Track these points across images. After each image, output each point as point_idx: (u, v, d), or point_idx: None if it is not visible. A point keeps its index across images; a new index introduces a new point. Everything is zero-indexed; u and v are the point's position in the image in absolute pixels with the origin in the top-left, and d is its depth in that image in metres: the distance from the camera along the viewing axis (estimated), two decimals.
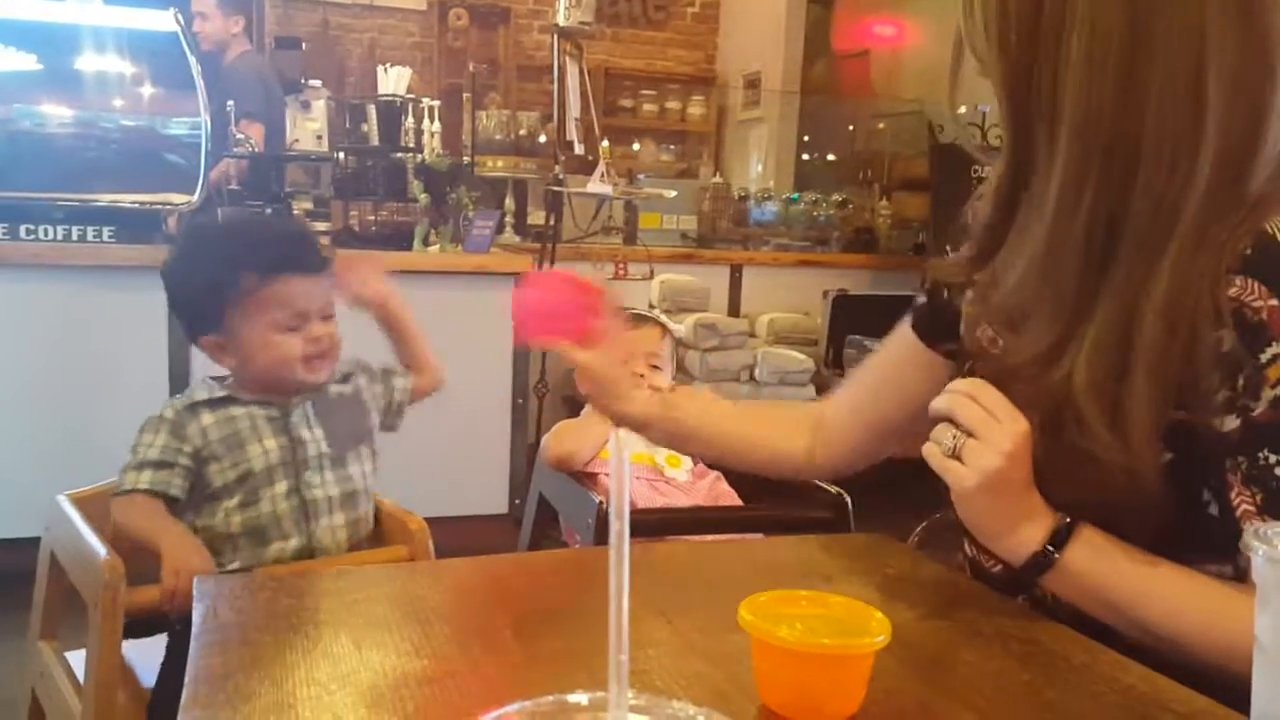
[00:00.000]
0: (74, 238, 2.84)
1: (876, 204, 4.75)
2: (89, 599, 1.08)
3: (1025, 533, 0.88)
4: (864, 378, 1.15)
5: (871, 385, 1.13)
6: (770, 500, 1.63)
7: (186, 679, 0.72)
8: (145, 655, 1.23)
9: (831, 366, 3.83)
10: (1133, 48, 0.85)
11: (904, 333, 1.11)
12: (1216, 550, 0.87)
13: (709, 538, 1.54)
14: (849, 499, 1.46)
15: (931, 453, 0.87)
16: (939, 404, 0.89)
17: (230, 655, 0.76)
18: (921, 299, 1.12)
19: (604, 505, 1.38)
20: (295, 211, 3.18)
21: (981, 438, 0.86)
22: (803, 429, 1.16)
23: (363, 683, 0.74)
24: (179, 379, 2.83)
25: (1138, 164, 0.86)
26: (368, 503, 1.40)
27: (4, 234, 2.78)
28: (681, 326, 2.01)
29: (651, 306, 3.65)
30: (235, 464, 1.31)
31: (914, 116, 5.44)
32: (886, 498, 1.63)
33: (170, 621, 1.20)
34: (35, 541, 1.31)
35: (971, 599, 0.87)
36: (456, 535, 3.05)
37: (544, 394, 3.62)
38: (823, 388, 3.67)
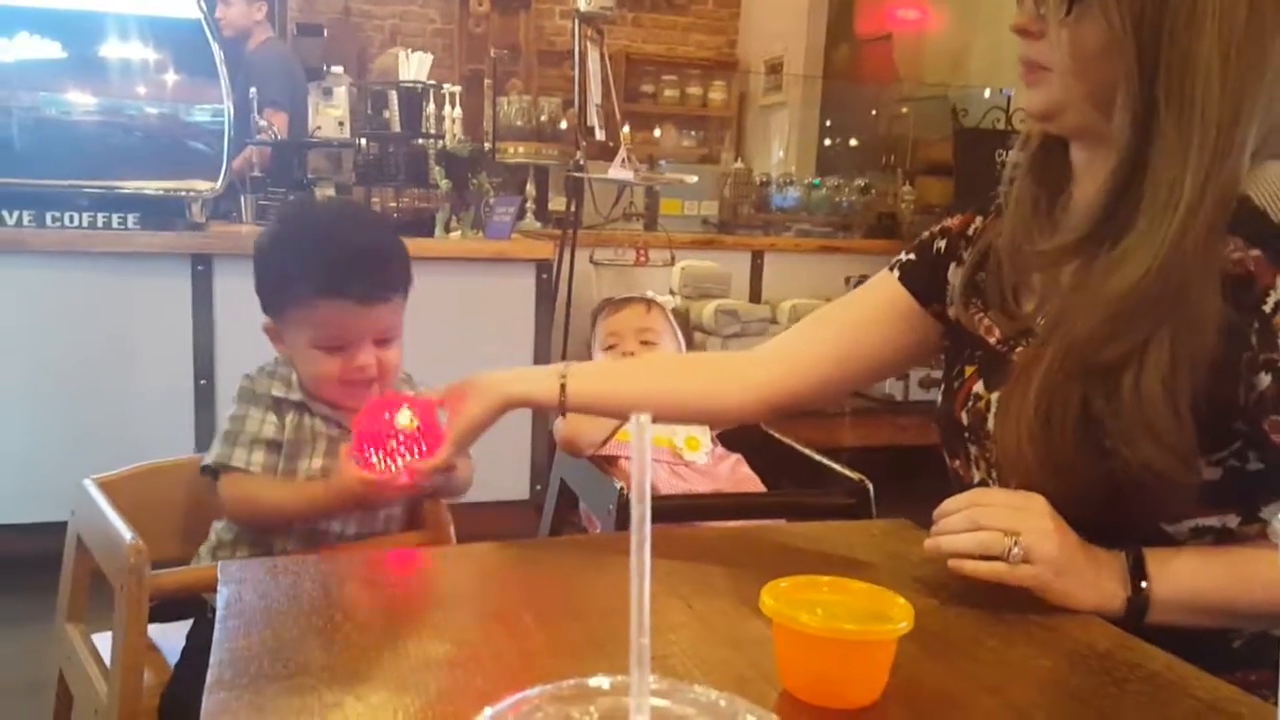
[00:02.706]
0: (99, 224, 2.86)
1: (899, 189, 4.72)
2: (115, 582, 1.09)
3: (1107, 586, 0.89)
4: (841, 316, 1.16)
5: (850, 324, 1.14)
6: (791, 485, 1.62)
7: (211, 662, 0.72)
8: (172, 639, 1.24)
9: None
10: (1249, 32, 0.87)
11: (890, 284, 1.14)
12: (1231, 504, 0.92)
13: (730, 523, 1.54)
14: (871, 485, 1.45)
15: (998, 571, 0.87)
16: (953, 524, 0.90)
17: (254, 639, 0.76)
18: (907, 255, 1.14)
19: (625, 490, 1.37)
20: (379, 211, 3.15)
21: (1023, 529, 0.87)
22: (745, 369, 1.17)
23: (385, 666, 0.75)
24: (203, 364, 2.85)
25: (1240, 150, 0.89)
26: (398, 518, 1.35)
27: (31, 221, 2.80)
28: (675, 299, 2.06)
29: (672, 293, 3.64)
30: (286, 471, 1.29)
31: (937, 100, 5.40)
32: (906, 485, 1.62)
33: (198, 605, 1.21)
34: (62, 526, 1.32)
35: (994, 585, 0.87)
36: (477, 521, 3.05)
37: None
38: None
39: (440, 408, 1.13)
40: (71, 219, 2.83)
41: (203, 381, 2.86)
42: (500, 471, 3.17)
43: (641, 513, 0.43)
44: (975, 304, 1.07)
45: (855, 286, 3.95)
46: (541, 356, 3.19)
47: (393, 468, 1.12)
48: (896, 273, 1.15)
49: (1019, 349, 1.01)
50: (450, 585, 0.90)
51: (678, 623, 0.83)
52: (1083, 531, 0.90)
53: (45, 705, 1.32)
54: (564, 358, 3.59)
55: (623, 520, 1.35)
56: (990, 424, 1.01)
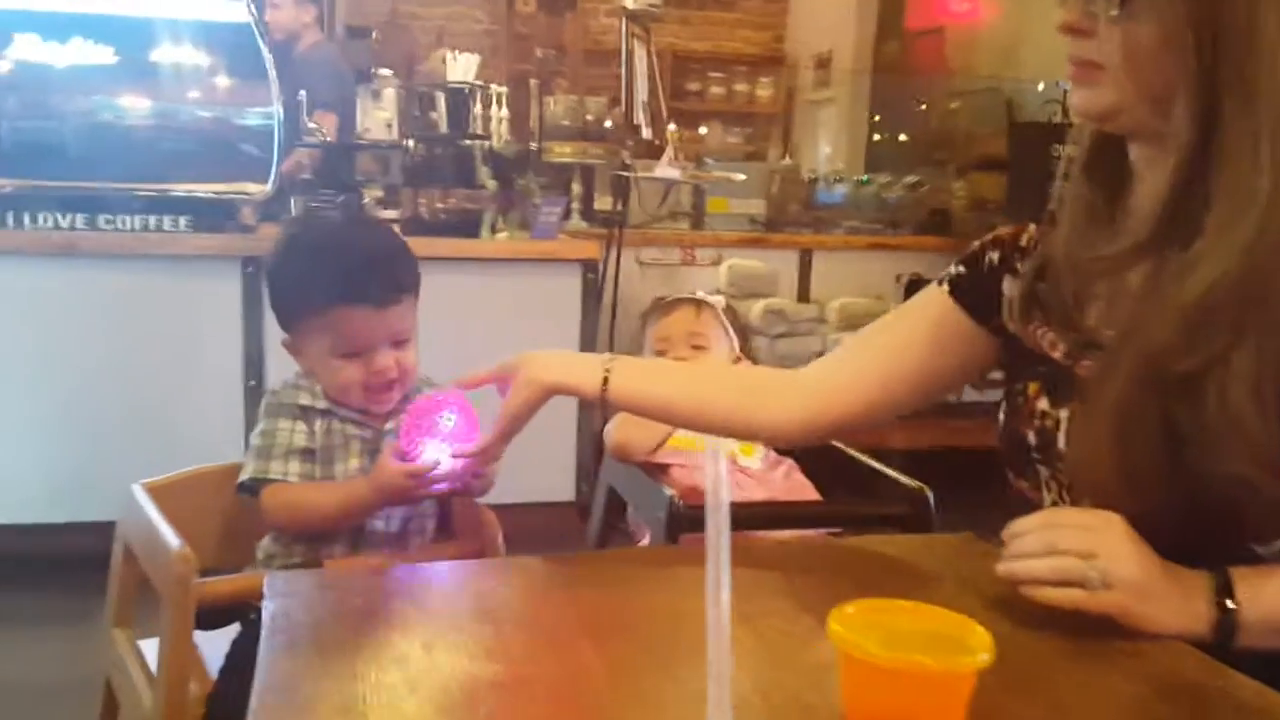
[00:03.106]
0: (151, 227, 2.88)
1: (951, 185, 4.62)
2: (161, 591, 1.08)
3: (1192, 609, 0.84)
4: (884, 336, 1.11)
5: (896, 345, 1.09)
6: (845, 492, 1.57)
7: (255, 684, 0.70)
8: (217, 645, 1.22)
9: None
10: None
11: (939, 299, 1.08)
12: None
13: (785, 533, 1.49)
14: (930, 493, 1.40)
15: (1077, 599, 0.83)
16: (1026, 547, 0.85)
17: (299, 658, 0.74)
18: (956, 268, 1.08)
19: (675, 499, 1.34)
20: (378, 217, 3.16)
21: (1102, 552, 0.83)
22: (785, 391, 1.12)
23: (434, 686, 0.72)
24: (253, 367, 2.87)
25: None
26: (421, 540, 1.35)
27: (84, 224, 2.83)
28: (721, 299, 1.85)
29: (718, 292, 3.59)
30: (323, 477, 1.29)
31: (990, 94, 5.29)
32: (959, 490, 1.56)
33: (244, 612, 1.20)
34: (110, 526, 1.32)
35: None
36: (522, 522, 3.03)
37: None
38: None
39: (486, 386, 1.15)
40: (124, 222, 2.86)
41: (253, 383, 2.88)
42: (545, 473, 3.15)
43: (718, 525, 0.39)
44: (1035, 317, 1.01)
45: (906, 285, 3.89)
46: None
47: (437, 459, 1.15)
48: (946, 287, 1.09)
49: (1085, 363, 0.96)
50: (499, 601, 0.87)
51: (736, 641, 0.79)
52: (1164, 553, 0.85)
53: (92, 705, 1.33)
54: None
55: (674, 529, 1.32)
56: (1061, 443, 0.96)
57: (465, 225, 3.19)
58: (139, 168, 2.94)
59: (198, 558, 1.18)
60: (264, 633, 0.79)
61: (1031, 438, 0.99)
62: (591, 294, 3.17)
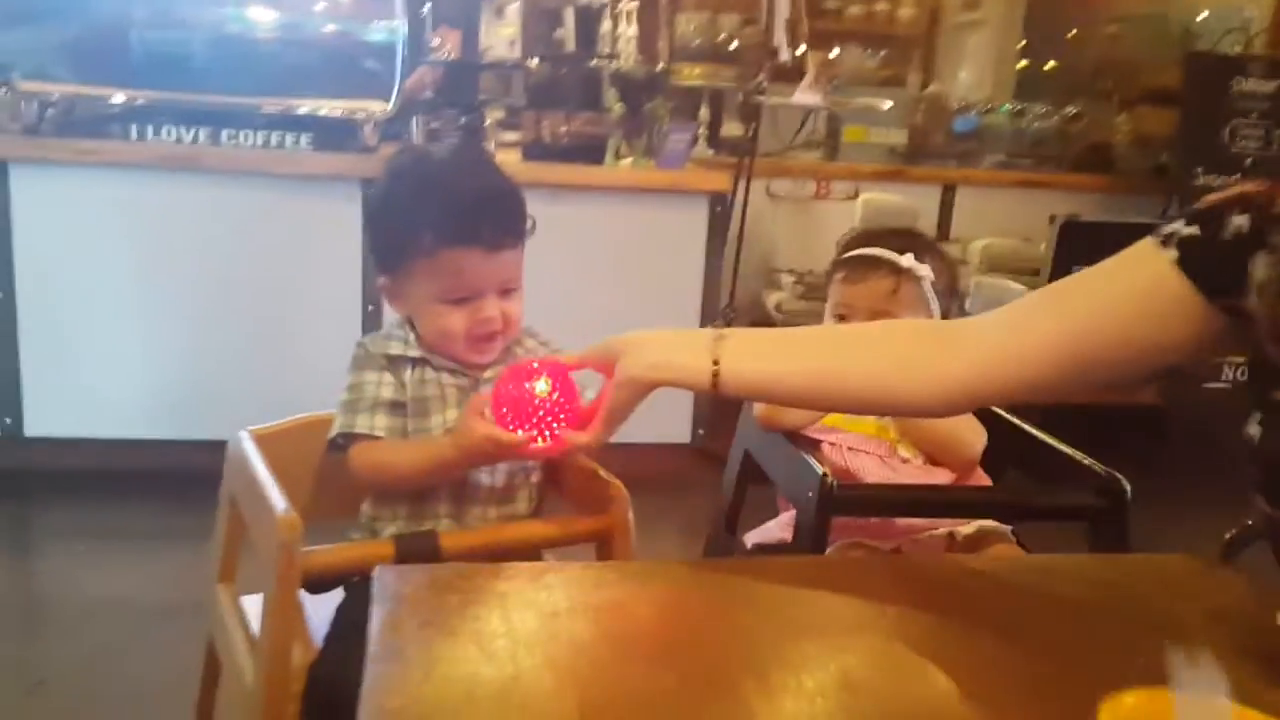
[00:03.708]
0: (273, 144, 2.83)
1: (1113, 118, 4.24)
2: (265, 556, 0.99)
3: None
4: (1080, 300, 0.90)
5: (1096, 310, 0.88)
6: (1016, 475, 1.39)
7: (360, 712, 0.59)
8: (322, 608, 1.14)
9: None
10: None
11: (1157, 262, 0.86)
12: None
13: (947, 523, 1.33)
14: (1127, 484, 1.19)
15: None
16: None
17: (410, 686, 0.62)
18: (1186, 227, 0.87)
19: (829, 478, 1.18)
20: (494, 150, 3.03)
21: None
22: (941, 356, 0.93)
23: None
24: (371, 290, 2.80)
25: None
26: (528, 501, 1.25)
27: (206, 139, 2.79)
28: (927, 269, 1.40)
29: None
30: (418, 430, 1.19)
31: (1155, 20, 4.82)
32: (1110, 451, 1.32)
33: (349, 576, 1.11)
34: (222, 445, 1.26)
35: None
36: (637, 463, 2.94)
37: (731, 319, 3.44)
38: None
39: (578, 370, 1.05)
40: (246, 138, 2.81)
41: (370, 308, 2.82)
42: (661, 412, 3.01)
43: None
44: None
45: (1060, 227, 3.58)
46: (710, 296, 3.00)
47: (531, 434, 1.04)
48: (1173, 251, 0.86)
49: None
50: (633, 618, 0.74)
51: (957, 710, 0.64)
52: None
53: (204, 627, 1.28)
54: (733, 299, 3.40)
55: (824, 511, 1.16)
56: None
57: (589, 151, 3.04)
58: (264, 82, 2.89)
59: (304, 510, 1.09)
60: (370, 650, 0.68)
61: None
62: (718, 228, 2.99)
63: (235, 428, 1.25)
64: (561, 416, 1.03)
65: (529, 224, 1.22)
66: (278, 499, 0.99)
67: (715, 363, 0.94)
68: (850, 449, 1.34)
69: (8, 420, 2.73)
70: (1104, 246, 3.34)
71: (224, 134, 2.80)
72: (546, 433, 1.03)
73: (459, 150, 1.37)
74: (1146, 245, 0.89)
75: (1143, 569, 0.88)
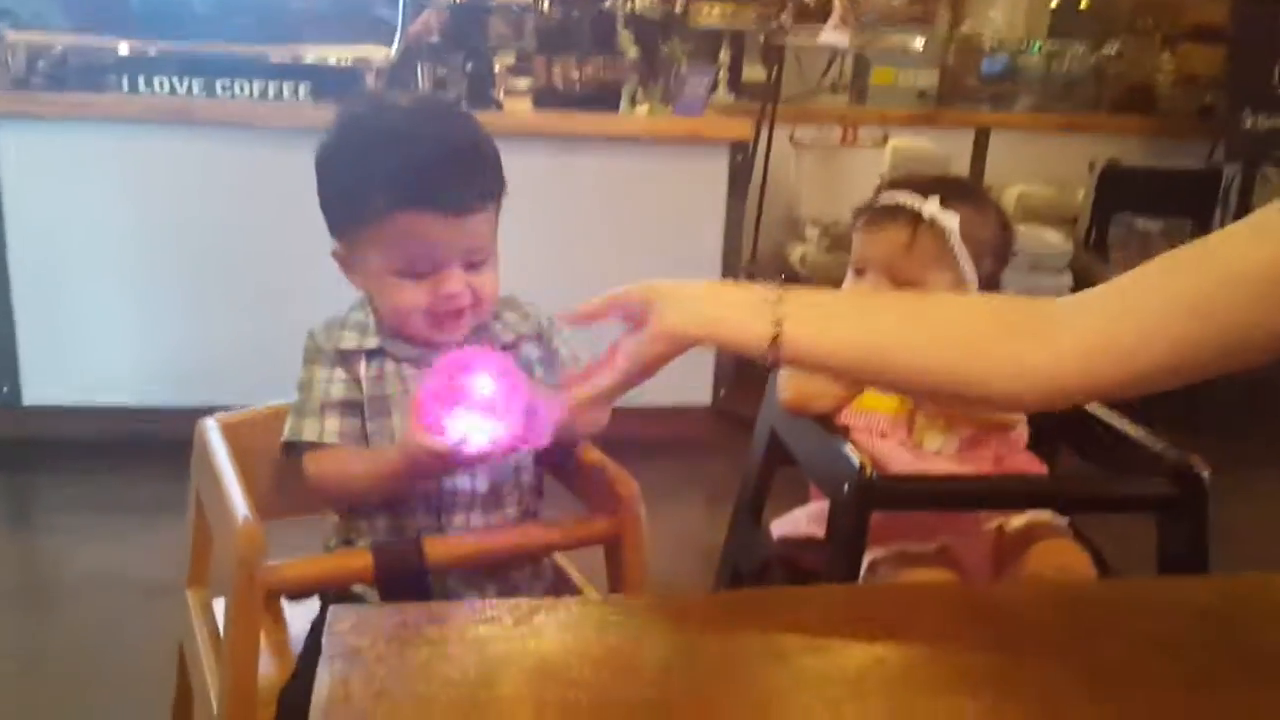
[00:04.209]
0: (270, 95, 2.69)
1: (1155, 57, 4.02)
2: (226, 568, 0.87)
3: None
4: (1202, 275, 0.76)
5: (1222, 286, 0.75)
6: (1074, 462, 1.25)
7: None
8: (303, 618, 1.03)
9: (1094, 249, 3.28)
10: None
11: None
12: None
13: (995, 515, 1.20)
14: (1205, 469, 1.05)
15: None
16: None
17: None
18: None
19: (869, 469, 1.05)
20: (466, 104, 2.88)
21: None
22: (1031, 346, 0.79)
23: None
24: None
25: None
26: (517, 506, 1.11)
27: (201, 90, 2.65)
28: (954, 217, 1.20)
29: (881, 178, 3.21)
30: (378, 431, 1.05)
31: None
32: (1237, 466, 1.16)
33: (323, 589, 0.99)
34: (191, 413, 1.15)
35: None
36: (656, 427, 2.84)
37: (754, 274, 3.29)
38: (1082, 274, 3.16)
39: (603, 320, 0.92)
40: (242, 88, 2.67)
41: None
42: (680, 373, 2.87)
43: None
44: None
45: (1100, 173, 3.40)
46: (731, 250, 2.85)
47: (468, 434, 0.91)
48: None
49: None
50: (648, 679, 0.62)
51: None
52: None
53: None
54: (754, 253, 3.25)
55: (864, 505, 1.04)
56: None
57: (603, 98, 2.88)
58: (262, 29, 2.78)
59: (279, 507, 0.98)
60: (316, 697, 0.56)
61: None
62: (740, 178, 2.83)
63: (238, 395, 1.15)
64: (504, 410, 0.91)
65: (502, 182, 1.06)
66: (239, 504, 0.88)
67: (777, 324, 0.82)
68: (880, 435, 1.19)
69: (4, 389, 2.64)
70: (1146, 193, 3.14)
71: (219, 85, 2.66)
72: (490, 432, 0.91)
73: (416, 100, 1.16)
74: (1275, 211, 0.75)
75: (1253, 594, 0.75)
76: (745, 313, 0.84)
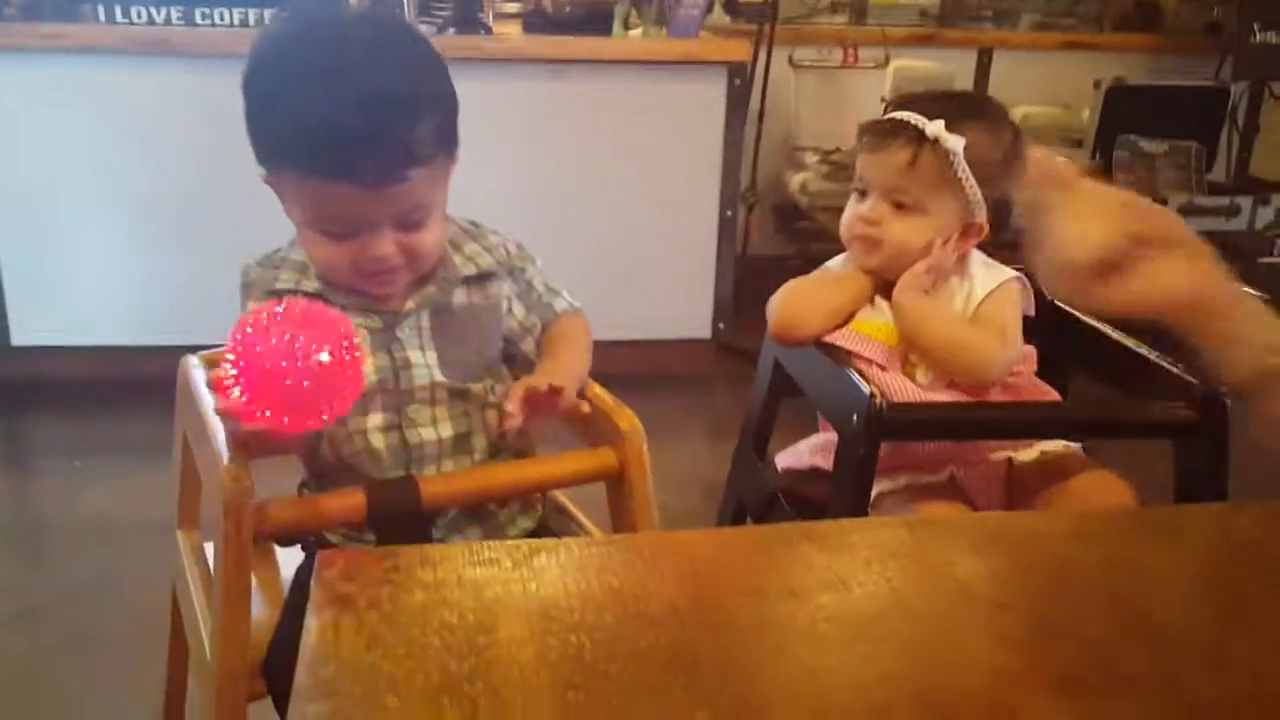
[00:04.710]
0: (252, 22, 2.60)
1: None
2: (213, 511, 0.84)
3: None
4: None
5: None
6: (1088, 387, 1.21)
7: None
8: (296, 559, 1.00)
9: (1099, 172, 3.22)
10: None
11: None
12: None
13: (1005, 445, 1.16)
14: (1228, 398, 1.01)
15: None
16: None
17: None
18: None
19: (878, 400, 1.01)
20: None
21: None
22: None
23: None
24: None
25: None
26: (485, 450, 1.02)
27: (179, 19, 2.56)
28: (959, 141, 1.13)
29: (883, 101, 3.13)
30: None
31: None
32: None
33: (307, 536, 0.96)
34: (185, 350, 1.11)
35: None
36: (657, 361, 2.81)
37: (753, 203, 3.23)
38: None
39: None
40: (221, 16, 2.58)
41: None
42: (680, 306, 2.86)
43: None
44: None
45: (1105, 91, 3.30)
46: (730, 178, 2.79)
47: (277, 414, 0.81)
48: None
49: None
50: (655, 623, 0.59)
51: None
52: None
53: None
54: (754, 180, 3.18)
55: (873, 436, 1.00)
56: None
57: (594, 20, 2.78)
58: None
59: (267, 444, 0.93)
60: (305, 636, 0.53)
61: None
62: (737, 103, 2.75)
63: (212, 330, 1.04)
64: (309, 380, 0.79)
65: (447, 136, 0.93)
66: (223, 445, 0.84)
67: None
68: (877, 365, 1.14)
69: None
70: (1149, 112, 3.03)
71: (197, 13, 2.57)
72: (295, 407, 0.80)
73: (361, 18, 0.96)
74: None
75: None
76: None
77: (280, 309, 0.82)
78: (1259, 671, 0.55)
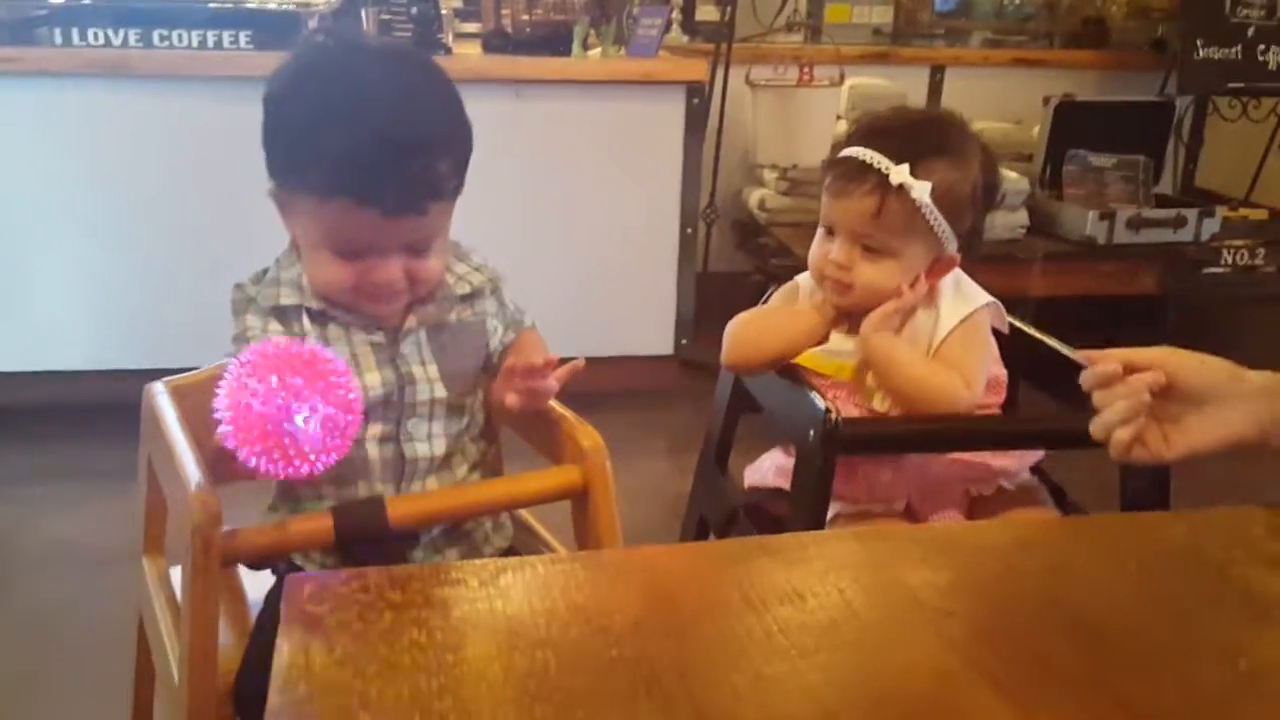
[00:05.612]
0: (210, 44, 2.60)
1: None
2: (180, 537, 0.85)
3: None
4: None
5: None
6: (1032, 394, 1.25)
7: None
8: (262, 588, 1.01)
9: (1049, 187, 3.29)
10: None
11: None
12: None
13: (960, 472, 1.19)
14: None
15: None
16: None
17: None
18: None
19: (834, 415, 1.04)
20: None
21: None
22: None
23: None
24: None
25: None
26: (466, 467, 1.06)
27: (137, 40, 2.56)
28: (925, 186, 1.13)
29: (839, 119, 3.18)
30: None
31: None
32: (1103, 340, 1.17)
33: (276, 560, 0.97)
34: (147, 375, 1.11)
35: None
36: (617, 378, 2.82)
37: (713, 220, 3.27)
38: (1037, 212, 3.17)
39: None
40: (180, 38, 2.58)
41: None
42: (642, 323, 2.89)
43: None
44: None
45: (1055, 108, 3.39)
46: (690, 196, 2.83)
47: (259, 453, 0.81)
48: None
49: None
50: (621, 637, 0.61)
51: None
52: None
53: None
54: (713, 197, 3.22)
55: (830, 451, 1.03)
56: None
57: (554, 41, 2.81)
58: None
59: (232, 466, 0.94)
60: (276, 667, 0.55)
61: None
62: (696, 121, 2.79)
63: (195, 354, 1.10)
64: (293, 435, 0.80)
65: (460, 176, 0.97)
66: (192, 471, 0.85)
67: None
68: (835, 399, 1.16)
69: None
70: (1098, 127, 3.10)
71: (156, 35, 2.56)
72: (286, 449, 0.81)
73: (395, 54, 1.01)
74: None
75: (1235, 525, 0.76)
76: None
77: (284, 346, 0.84)
78: (1189, 673, 0.58)
